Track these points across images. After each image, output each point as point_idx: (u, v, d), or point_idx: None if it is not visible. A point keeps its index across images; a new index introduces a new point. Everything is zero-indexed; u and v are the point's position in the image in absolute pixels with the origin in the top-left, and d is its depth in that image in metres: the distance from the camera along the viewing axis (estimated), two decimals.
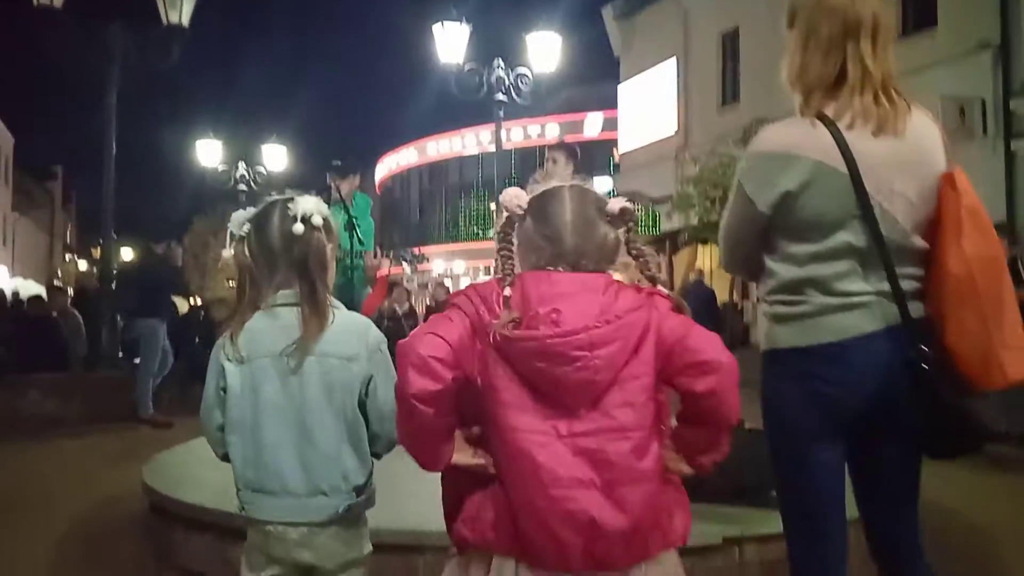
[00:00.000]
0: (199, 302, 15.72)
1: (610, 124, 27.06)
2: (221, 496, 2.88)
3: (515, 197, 1.63)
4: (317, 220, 1.79)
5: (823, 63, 1.82)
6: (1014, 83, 11.81)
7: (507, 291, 1.52)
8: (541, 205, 1.62)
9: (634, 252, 1.62)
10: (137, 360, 8.41)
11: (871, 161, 1.76)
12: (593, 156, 31.75)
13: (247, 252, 1.80)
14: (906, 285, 1.78)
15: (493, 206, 12.70)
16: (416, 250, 37.25)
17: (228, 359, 1.76)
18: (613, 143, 25.48)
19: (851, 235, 1.77)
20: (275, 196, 1.88)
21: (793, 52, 1.88)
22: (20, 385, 8.14)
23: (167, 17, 9.22)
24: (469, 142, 34.93)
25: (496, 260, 1.62)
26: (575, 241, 1.57)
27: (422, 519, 2.75)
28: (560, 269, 1.57)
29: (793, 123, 1.85)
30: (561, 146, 5.58)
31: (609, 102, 25.79)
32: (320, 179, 5.59)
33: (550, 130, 32.91)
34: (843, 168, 1.75)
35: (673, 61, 21.11)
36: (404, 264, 30.25)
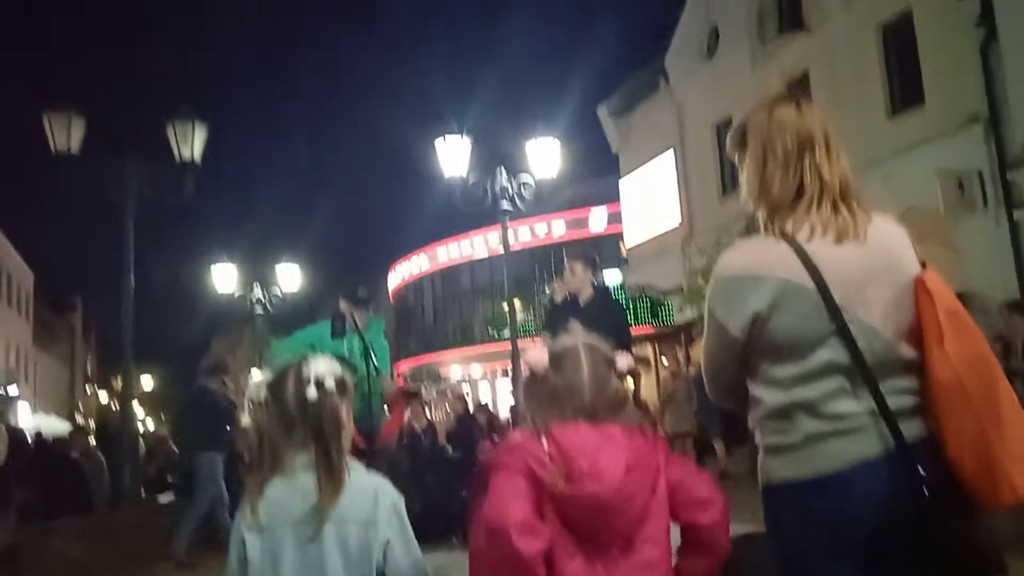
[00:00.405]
0: None
1: (615, 217, 27.42)
2: None
3: (539, 359, 1.83)
4: (330, 383, 1.83)
5: (783, 178, 1.82)
6: (1009, 154, 11.97)
7: (546, 446, 1.69)
8: (560, 362, 1.81)
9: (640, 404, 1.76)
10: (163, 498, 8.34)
11: (837, 272, 1.73)
12: (601, 250, 32.12)
13: (266, 417, 1.84)
14: (898, 401, 1.72)
15: (506, 306, 12.78)
16: (434, 358, 37.21)
17: (248, 528, 1.78)
18: (619, 236, 25.77)
19: (831, 352, 1.72)
20: (290, 358, 1.93)
21: (751, 170, 1.88)
22: (43, 529, 8.10)
23: (179, 154, 9.59)
24: (478, 245, 35.35)
25: (528, 412, 1.82)
26: (592, 396, 1.78)
27: None
28: (580, 420, 1.75)
29: (753, 243, 1.84)
30: (579, 255, 5.70)
31: (612, 196, 26.21)
32: (334, 297, 5.67)
33: (556, 227, 33.32)
34: (810, 284, 1.73)
35: (671, 153, 21.57)
36: (421, 386, 30.25)
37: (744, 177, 1.91)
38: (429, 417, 13.11)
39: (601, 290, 5.86)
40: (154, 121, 9.62)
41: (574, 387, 1.78)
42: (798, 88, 16.83)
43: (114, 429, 10.14)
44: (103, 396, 49.68)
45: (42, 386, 41.52)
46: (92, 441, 11.81)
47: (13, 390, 25.96)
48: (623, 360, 1.85)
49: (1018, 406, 1.67)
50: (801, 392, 1.73)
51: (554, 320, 5.66)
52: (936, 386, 1.68)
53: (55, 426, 27.39)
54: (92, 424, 26.64)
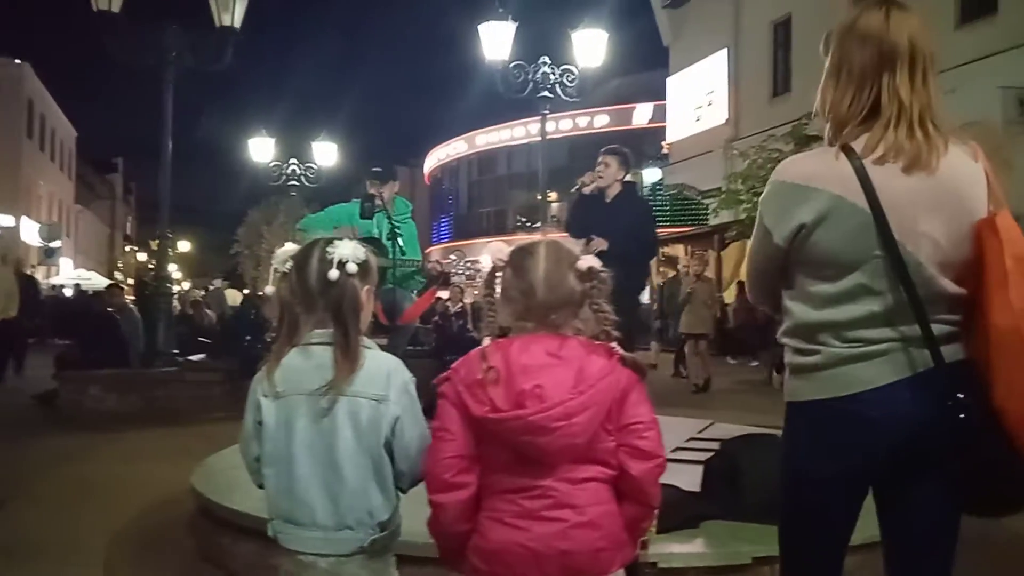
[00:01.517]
0: (252, 294, 16.11)
1: (660, 113, 26.79)
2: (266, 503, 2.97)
3: (499, 251, 1.79)
4: (352, 267, 1.85)
5: (856, 97, 1.73)
6: None
7: (486, 355, 1.69)
8: (519, 259, 1.76)
9: (595, 307, 1.74)
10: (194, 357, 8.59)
11: (895, 199, 1.66)
12: (642, 146, 31.60)
13: (288, 289, 1.87)
14: (937, 329, 1.67)
15: (539, 197, 12.74)
16: (466, 244, 37.35)
17: (264, 394, 1.84)
18: (662, 133, 25.24)
19: (867, 277, 1.68)
20: (317, 236, 1.94)
21: (826, 83, 1.80)
22: (82, 380, 8.48)
23: (219, 19, 9.44)
24: (518, 133, 34.90)
25: (483, 307, 1.80)
26: (544, 295, 1.72)
27: None
28: (531, 323, 1.73)
29: (817, 154, 1.79)
30: (614, 150, 5.60)
31: (658, 89, 25.55)
32: (390, 164, 5.71)
33: (599, 120, 32.75)
34: (863, 204, 1.67)
35: (724, 52, 20.82)
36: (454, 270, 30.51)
37: (820, 87, 1.82)
38: (464, 302, 13.28)
39: (629, 188, 5.77)
40: None
41: (529, 285, 1.72)
42: None
43: (151, 288, 10.40)
44: (142, 257, 50.86)
45: (83, 243, 42.62)
46: (130, 299, 12.22)
47: (56, 245, 26.61)
48: (586, 260, 1.75)
49: None
50: (831, 313, 1.72)
51: (578, 213, 5.58)
52: (992, 330, 1.64)
53: (96, 281, 28.27)
54: (130, 282, 27.43)
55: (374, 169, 5.56)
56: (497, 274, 1.79)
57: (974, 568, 1.88)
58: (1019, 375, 1.61)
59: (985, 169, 1.73)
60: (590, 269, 1.74)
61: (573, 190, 5.56)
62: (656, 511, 1.80)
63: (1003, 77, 12.10)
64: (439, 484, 1.70)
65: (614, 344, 1.73)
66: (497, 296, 1.78)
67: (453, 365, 1.76)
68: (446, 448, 1.70)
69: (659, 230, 6.88)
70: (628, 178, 5.67)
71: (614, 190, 5.49)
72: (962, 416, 1.63)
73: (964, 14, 13.65)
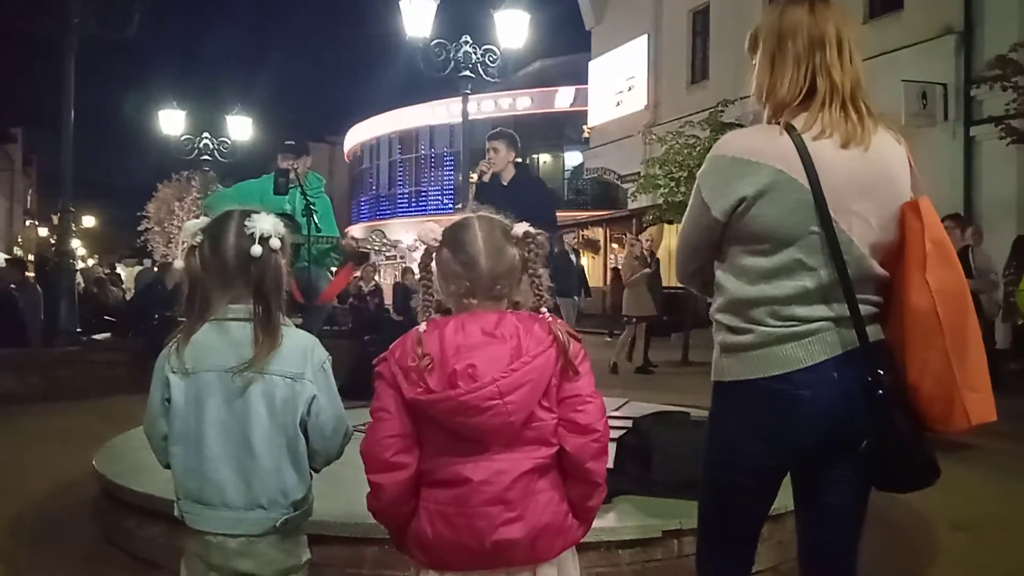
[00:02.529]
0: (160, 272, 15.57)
1: (582, 97, 26.94)
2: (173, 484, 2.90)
3: (430, 231, 1.76)
4: (275, 243, 1.79)
5: (793, 79, 1.78)
6: (975, 69, 11.97)
7: (421, 340, 1.66)
8: (455, 235, 1.74)
9: (530, 272, 1.73)
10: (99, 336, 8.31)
11: (832, 176, 1.70)
12: (564, 129, 31.75)
13: (199, 263, 1.80)
14: (864, 309, 1.73)
15: (461, 178, 12.68)
16: (385, 223, 36.94)
17: (173, 371, 1.78)
18: (584, 116, 25.41)
19: (802, 252, 1.71)
20: (232, 207, 1.87)
21: (760, 70, 1.84)
22: None
23: None
24: (439, 113, 34.59)
25: (419, 291, 1.76)
26: (489, 265, 1.70)
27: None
28: (476, 299, 1.71)
29: (759, 130, 1.82)
30: (499, 134, 5.63)
31: (581, 73, 25.71)
32: (303, 139, 5.57)
33: (521, 102, 32.74)
34: (804, 180, 1.70)
35: (644, 38, 21.07)
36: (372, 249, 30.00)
37: (754, 77, 1.87)
38: (377, 280, 13.15)
39: (522, 168, 5.84)
40: None
41: (470, 257, 1.70)
42: None
43: (52, 264, 9.95)
44: (43, 232, 48.52)
45: None
46: (30, 275, 11.65)
47: None
48: (520, 226, 1.75)
49: (981, 344, 1.72)
50: (765, 288, 1.74)
51: (481, 200, 5.58)
52: (909, 310, 1.70)
53: None
54: (31, 258, 26.15)
55: (287, 143, 5.44)
56: (432, 255, 1.75)
57: (874, 543, 1.96)
58: (933, 354, 1.67)
59: (908, 154, 1.80)
60: (526, 234, 1.74)
61: (472, 182, 5.59)
62: (604, 488, 1.75)
63: (906, 72, 12.61)
64: (378, 464, 1.67)
65: (549, 315, 1.71)
66: (434, 278, 1.75)
67: (391, 345, 1.72)
68: (384, 428, 1.67)
69: (580, 213, 6.93)
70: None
71: (509, 173, 5.52)
72: (880, 392, 1.68)
73: (871, 10, 14.18)
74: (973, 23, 12.53)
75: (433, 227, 1.76)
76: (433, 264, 1.75)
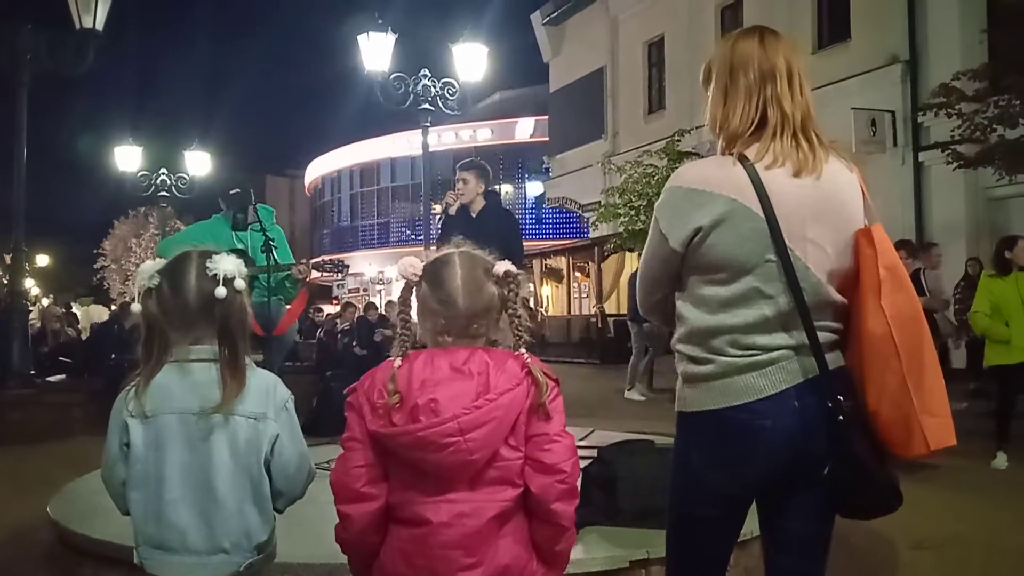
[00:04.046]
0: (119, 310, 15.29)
1: (542, 128, 27.18)
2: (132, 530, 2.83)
3: (411, 266, 1.73)
4: (240, 284, 1.77)
5: (745, 110, 1.81)
6: (921, 96, 12.33)
7: (395, 376, 1.63)
8: (435, 271, 1.71)
9: (509, 311, 1.71)
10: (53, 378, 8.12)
11: (785, 204, 1.72)
12: (525, 159, 31.96)
13: (156, 305, 1.77)
14: (822, 337, 1.74)
15: (422, 209, 12.66)
16: (348, 256, 36.77)
17: (132, 415, 1.74)
18: (544, 146, 25.64)
19: (760, 281, 1.73)
20: (189, 248, 1.84)
21: (714, 102, 1.88)
22: None
23: (80, 21, 8.95)
24: (400, 145, 34.64)
25: (396, 325, 1.74)
26: (466, 304, 1.67)
27: (335, 549, 2.75)
28: (451, 337, 1.68)
29: (713, 161, 1.84)
30: (470, 164, 5.61)
31: (540, 104, 25.94)
32: (247, 182, 5.50)
33: (482, 134, 32.93)
34: (758, 209, 1.72)
35: (602, 70, 21.38)
36: (335, 284, 29.78)
37: (707, 108, 1.91)
38: (353, 322, 12.98)
39: (492, 199, 5.77)
40: None
41: (448, 294, 1.67)
42: (730, 12, 16.82)
43: (5, 304, 9.73)
44: None
45: None
46: None
47: None
48: (501, 265, 1.72)
49: (939, 367, 1.74)
50: (725, 317, 1.75)
51: (448, 233, 5.55)
52: (865, 336, 1.72)
53: None
54: None
55: (231, 192, 5.34)
56: (411, 290, 1.73)
57: (836, 564, 1.98)
58: (890, 379, 1.69)
59: (860, 181, 1.84)
60: (506, 273, 1.71)
61: (438, 214, 5.50)
62: (573, 532, 1.70)
63: (856, 99, 12.97)
64: (348, 494, 1.65)
65: (526, 353, 1.68)
66: (412, 314, 1.73)
67: (362, 376, 1.71)
68: (354, 457, 1.65)
69: (543, 242, 6.93)
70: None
71: (478, 204, 5.44)
72: (840, 418, 1.69)
73: (820, 41, 14.60)
74: (918, 52, 12.94)
75: (414, 261, 1.74)
76: (412, 298, 1.74)
